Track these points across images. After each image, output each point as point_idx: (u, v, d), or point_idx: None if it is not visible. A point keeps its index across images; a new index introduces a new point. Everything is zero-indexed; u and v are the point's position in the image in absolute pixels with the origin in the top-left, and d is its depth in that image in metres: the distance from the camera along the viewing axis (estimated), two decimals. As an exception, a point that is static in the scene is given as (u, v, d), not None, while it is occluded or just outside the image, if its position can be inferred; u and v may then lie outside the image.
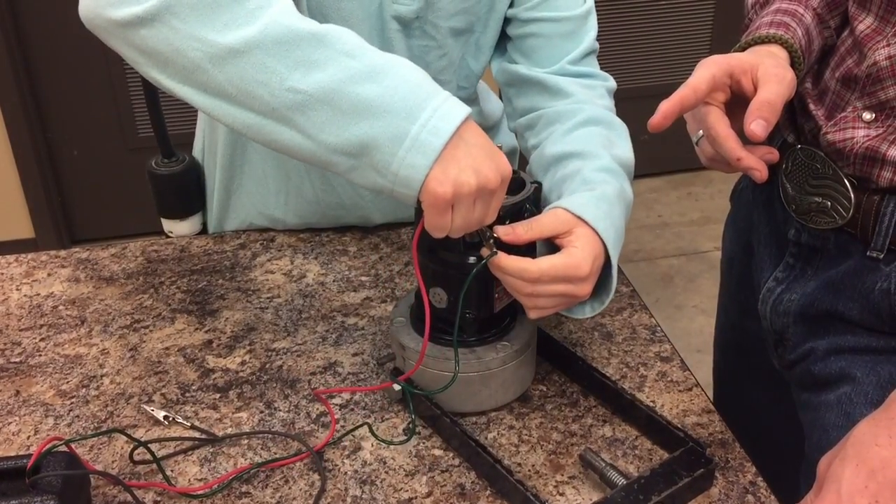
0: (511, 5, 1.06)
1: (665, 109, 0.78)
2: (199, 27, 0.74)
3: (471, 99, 1.16)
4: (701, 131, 0.83)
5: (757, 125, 0.75)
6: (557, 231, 0.83)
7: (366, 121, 0.72)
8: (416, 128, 0.72)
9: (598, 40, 1.11)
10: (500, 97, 1.16)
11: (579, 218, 0.83)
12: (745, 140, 0.79)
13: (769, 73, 0.79)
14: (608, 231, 0.84)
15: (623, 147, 0.98)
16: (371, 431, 0.87)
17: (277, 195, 1.18)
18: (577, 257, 0.81)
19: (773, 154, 0.81)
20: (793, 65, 0.84)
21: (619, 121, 1.03)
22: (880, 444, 0.70)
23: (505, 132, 1.22)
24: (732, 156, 0.78)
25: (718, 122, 0.80)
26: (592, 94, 1.04)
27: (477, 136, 0.75)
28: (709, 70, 0.80)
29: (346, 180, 0.79)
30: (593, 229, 0.83)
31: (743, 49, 0.85)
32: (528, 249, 0.84)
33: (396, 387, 0.89)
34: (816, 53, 0.89)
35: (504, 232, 0.81)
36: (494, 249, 0.80)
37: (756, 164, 0.78)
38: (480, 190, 0.74)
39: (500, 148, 0.79)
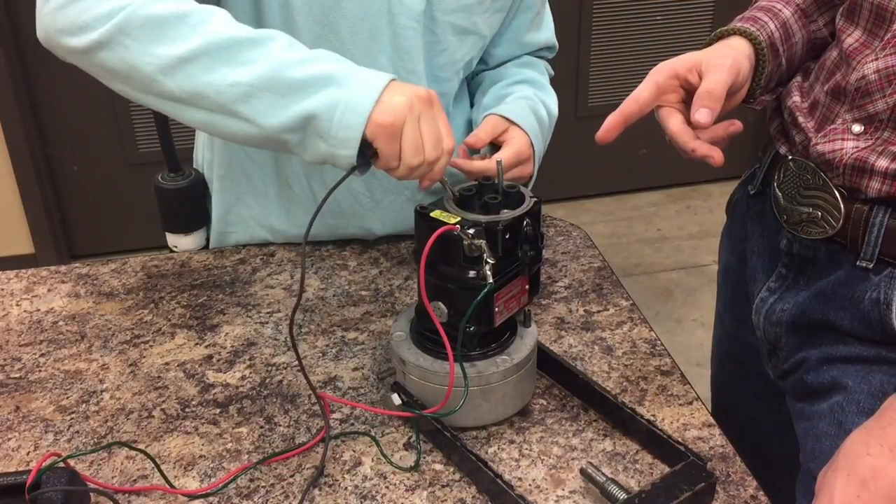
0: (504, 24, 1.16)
1: (609, 123, 0.86)
2: (149, 44, 0.84)
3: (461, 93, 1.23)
4: None
5: (700, 114, 0.82)
6: (498, 129, 1.07)
7: (303, 99, 0.83)
8: (347, 93, 0.82)
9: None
10: None
11: (508, 119, 1.08)
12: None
13: (710, 65, 0.85)
14: (528, 124, 1.09)
15: (547, 97, 1.18)
16: (376, 444, 0.87)
17: (278, 205, 1.18)
18: (519, 144, 1.05)
19: (736, 125, 0.85)
20: (758, 56, 0.89)
21: (551, 88, 1.22)
22: (871, 454, 0.71)
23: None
24: (686, 149, 0.84)
25: (670, 122, 0.86)
26: (533, 67, 1.24)
27: (403, 86, 0.85)
28: (652, 78, 0.87)
29: (299, 156, 0.88)
30: (519, 126, 1.08)
31: (709, 44, 0.91)
32: (513, 265, 0.85)
33: (396, 400, 0.89)
34: (801, 45, 0.94)
35: (471, 142, 1.04)
36: (491, 280, 0.80)
37: (708, 151, 0.83)
38: (412, 102, 0.83)
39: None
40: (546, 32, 1.24)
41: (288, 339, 1.05)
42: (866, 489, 0.69)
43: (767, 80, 0.91)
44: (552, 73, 1.28)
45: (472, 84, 1.25)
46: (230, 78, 0.82)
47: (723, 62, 0.85)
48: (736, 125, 0.85)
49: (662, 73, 0.87)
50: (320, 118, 0.82)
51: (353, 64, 0.87)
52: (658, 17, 3.06)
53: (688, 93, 0.87)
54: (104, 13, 0.84)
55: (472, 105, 1.24)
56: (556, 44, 1.27)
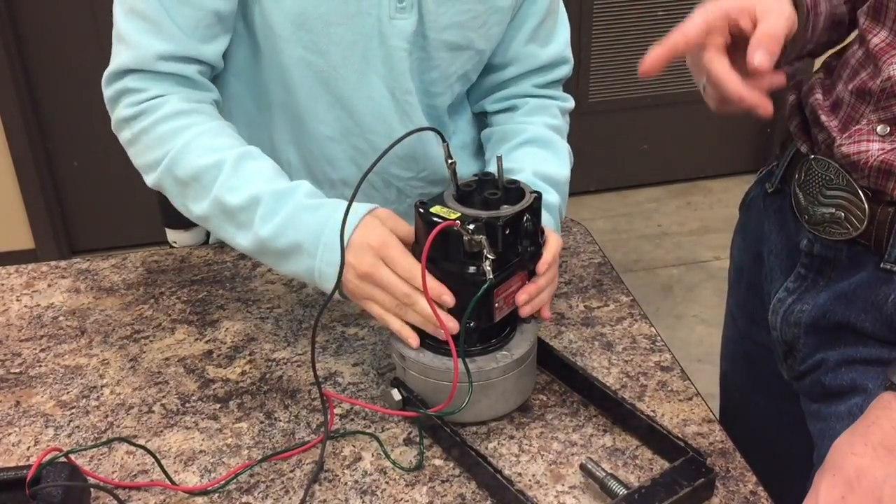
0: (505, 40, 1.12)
1: (655, 54, 0.78)
2: (178, 198, 0.99)
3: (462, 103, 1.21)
4: (705, 77, 0.81)
5: (760, 56, 0.74)
6: None
7: (288, 265, 0.94)
8: (318, 262, 0.91)
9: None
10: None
11: None
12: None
13: (768, 8, 0.77)
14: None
15: (552, 163, 1.09)
16: (378, 442, 0.87)
17: None
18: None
19: (781, 78, 0.79)
20: (797, 18, 0.82)
21: (561, 141, 1.14)
22: (856, 453, 0.70)
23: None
24: (734, 96, 0.77)
25: (717, 63, 0.78)
26: (544, 113, 1.16)
27: (355, 253, 0.89)
28: (702, 14, 0.78)
29: None
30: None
31: None
32: (514, 261, 0.85)
33: (396, 395, 0.89)
34: (824, 19, 0.88)
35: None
36: (491, 277, 0.80)
37: (759, 100, 0.76)
38: (361, 276, 0.87)
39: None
40: (555, 46, 1.15)
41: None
42: (851, 490, 0.68)
43: (796, 48, 0.86)
44: (571, 105, 1.19)
45: (482, 137, 1.21)
46: (236, 239, 0.96)
47: (780, 9, 0.78)
48: (780, 77, 0.79)
49: (713, 11, 0.78)
50: (307, 278, 0.93)
51: (319, 216, 0.91)
52: (660, 12, 3.06)
53: (735, 39, 0.80)
54: (148, 163, 0.99)
55: (478, 121, 1.23)
56: (570, 57, 1.18)
